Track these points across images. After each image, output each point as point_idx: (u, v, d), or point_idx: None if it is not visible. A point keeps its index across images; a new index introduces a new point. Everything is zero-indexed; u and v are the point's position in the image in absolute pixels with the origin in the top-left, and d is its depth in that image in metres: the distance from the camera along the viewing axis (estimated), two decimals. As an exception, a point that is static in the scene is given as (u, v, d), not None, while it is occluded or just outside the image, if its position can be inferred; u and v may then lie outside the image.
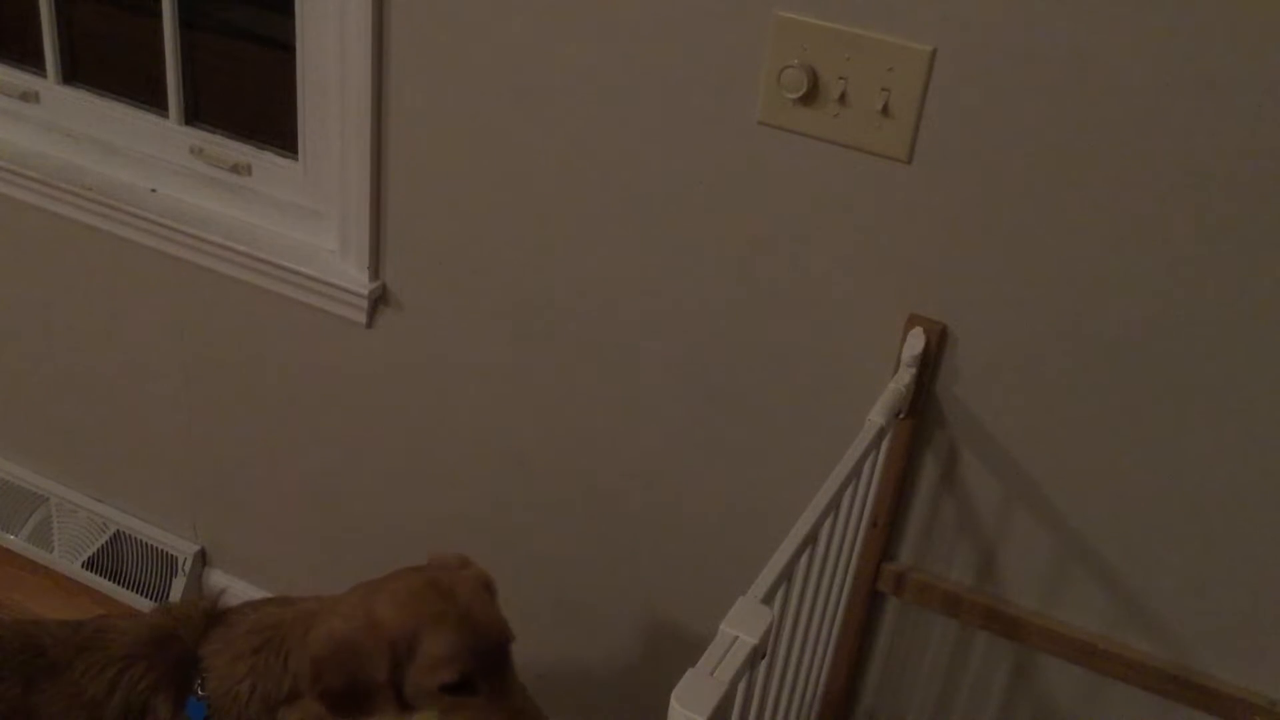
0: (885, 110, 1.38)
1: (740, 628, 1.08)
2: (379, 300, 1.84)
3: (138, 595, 2.31)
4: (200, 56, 1.96)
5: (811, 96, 1.41)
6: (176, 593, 2.28)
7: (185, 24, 1.92)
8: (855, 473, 1.35)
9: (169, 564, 2.30)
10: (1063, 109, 1.31)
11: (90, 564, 2.33)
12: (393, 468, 1.98)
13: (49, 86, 2.05)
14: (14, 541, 2.38)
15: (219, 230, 1.91)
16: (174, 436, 2.18)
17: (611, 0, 1.48)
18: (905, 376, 1.46)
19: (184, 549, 2.29)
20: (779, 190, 1.49)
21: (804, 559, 1.27)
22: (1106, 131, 1.31)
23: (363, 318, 1.85)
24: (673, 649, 1.89)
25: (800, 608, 1.35)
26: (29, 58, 2.06)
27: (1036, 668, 1.61)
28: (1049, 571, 1.55)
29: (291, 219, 1.91)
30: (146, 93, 1.99)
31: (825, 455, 1.61)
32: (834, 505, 1.31)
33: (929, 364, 1.48)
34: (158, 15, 1.91)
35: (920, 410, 1.52)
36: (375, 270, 1.82)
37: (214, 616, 1.52)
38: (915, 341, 1.45)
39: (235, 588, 2.27)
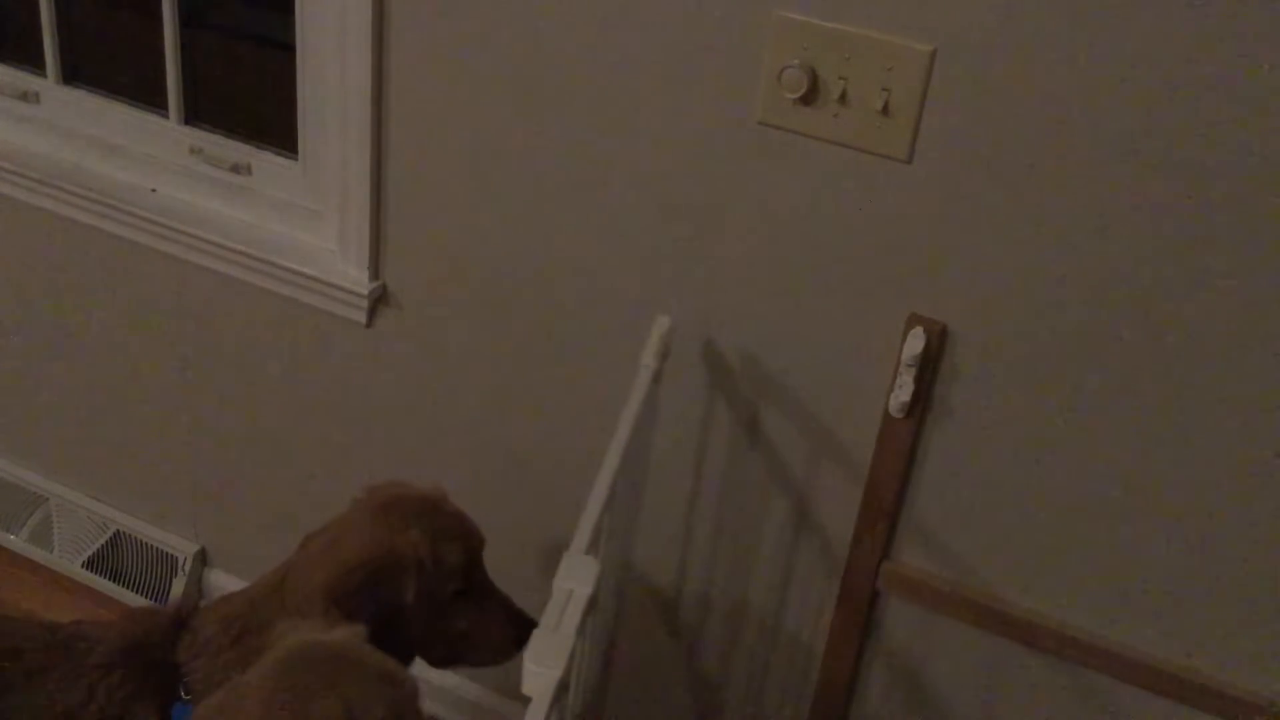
0: (885, 110, 1.38)
1: (572, 581, 1.13)
2: (379, 300, 1.84)
3: (138, 595, 2.30)
4: (200, 56, 1.96)
5: (811, 96, 1.41)
6: (176, 593, 2.28)
7: (185, 24, 1.92)
8: (641, 421, 1.39)
9: (169, 564, 2.30)
10: (1062, 109, 1.31)
11: (90, 564, 2.33)
12: (392, 467, 1.97)
13: (49, 86, 2.05)
14: (14, 541, 2.38)
15: (219, 230, 1.91)
16: (174, 436, 2.18)
17: (612, 1, 1.48)
18: (664, 325, 1.52)
19: (184, 549, 2.29)
20: (779, 190, 1.49)
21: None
22: (1106, 131, 1.31)
23: (363, 318, 1.85)
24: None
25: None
26: (29, 58, 2.06)
27: (1036, 667, 1.61)
28: (1049, 571, 1.55)
29: (291, 219, 1.91)
30: (146, 93, 1.99)
31: (824, 455, 1.61)
32: (629, 457, 1.36)
33: (929, 364, 1.48)
34: (158, 15, 1.91)
35: (920, 410, 1.52)
36: (375, 270, 1.82)
37: (180, 622, 1.49)
38: (915, 341, 1.45)
39: (235, 588, 2.26)
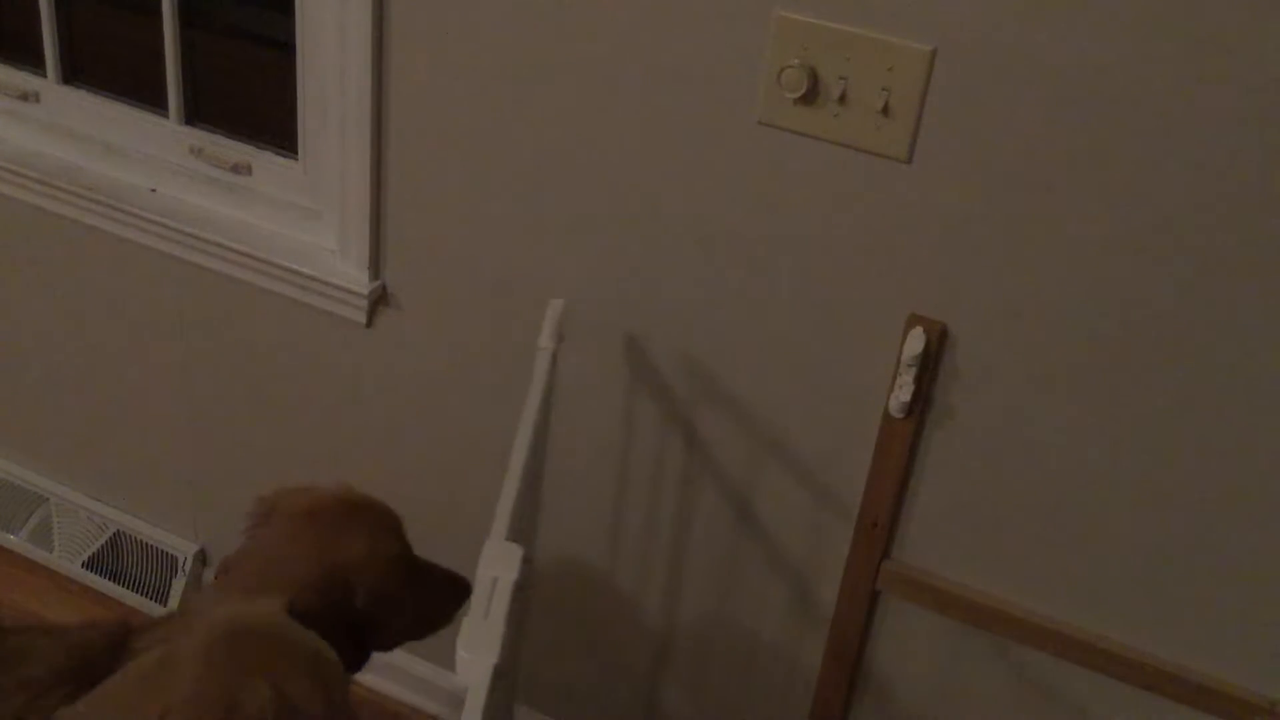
0: (885, 110, 1.38)
1: (496, 569, 1.14)
2: (379, 300, 1.84)
3: (138, 595, 2.30)
4: (200, 56, 1.96)
5: (811, 96, 1.41)
6: (177, 593, 2.28)
7: (185, 24, 1.92)
8: (545, 406, 1.41)
9: (169, 564, 2.30)
10: (1062, 109, 1.31)
11: (90, 564, 2.33)
12: (392, 467, 1.97)
13: (49, 86, 2.05)
14: (14, 541, 2.38)
15: (219, 230, 1.91)
16: (174, 436, 2.18)
17: (612, 1, 1.48)
18: (558, 307, 1.54)
19: (184, 549, 2.29)
20: (779, 190, 1.49)
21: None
22: (1107, 131, 1.31)
23: (363, 318, 1.85)
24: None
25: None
26: (29, 58, 2.06)
27: (1036, 667, 1.61)
28: (1049, 571, 1.55)
29: (291, 219, 1.91)
30: (146, 93, 1.99)
31: (824, 454, 1.61)
32: (539, 438, 1.38)
33: (929, 364, 1.48)
34: (158, 15, 1.91)
35: (920, 410, 1.52)
36: (375, 270, 1.82)
37: (119, 640, 1.41)
38: (915, 341, 1.45)
39: (235, 588, 2.27)
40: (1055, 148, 1.33)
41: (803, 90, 1.40)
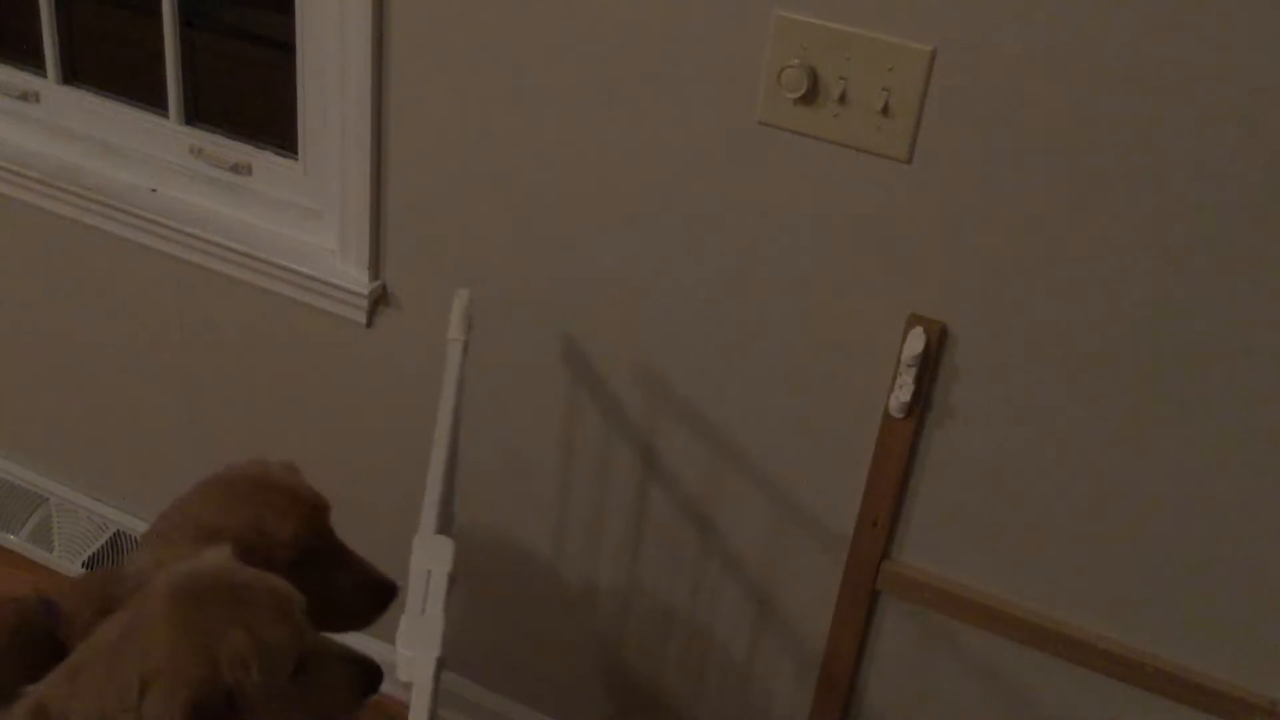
0: (885, 110, 1.38)
1: (430, 562, 1.13)
2: (379, 300, 1.84)
3: (138, 595, 2.30)
4: (200, 56, 1.96)
5: (811, 96, 1.41)
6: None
7: (185, 24, 1.92)
8: (458, 395, 1.41)
9: (169, 564, 2.30)
10: (1063, 108, 1.31)
11: (90, 564, 2.33)
12: (391, 467, 1.97)
13: (49, 86, 2.05)
14: (14, 541, 2.38)
15: (219, 230, 1.91)
16: (174, 436, 2.18)
17: (612, 1, 1.48)
18: (465, 297, 1.55)
19: (184, 549, 2.29)
20: (779, 190, 1.49)
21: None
22: (1107, 131, 1.31)
23: (363, 318, 1.85)
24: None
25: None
26: (29, 58, 2.06)
27: (1037, 667, 1.61)
28: (1049, 571, 1.55)
29: (291, 219, 1.91)
30: (146, 93, 1.99)
31: (824, 454, 1.61)
32: (455, 432, 1.39)
33: (929, 364, 1.48)
34: (158, 15, 1.91)
35: (920, 410, 1.52)
36: (375, 270, 1.82)
37: (48, 604, 1.47)
38: (915, 341, 1.45)
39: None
40: (1055, 148, 1.33)
41: (803, 90, 1.40)
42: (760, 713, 1.86)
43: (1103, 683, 1.57)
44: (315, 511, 1.53)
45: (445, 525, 1.24)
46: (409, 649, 1.06)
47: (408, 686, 1.06)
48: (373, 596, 1.56)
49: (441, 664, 1.07)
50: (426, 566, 1.14)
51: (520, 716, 2.07)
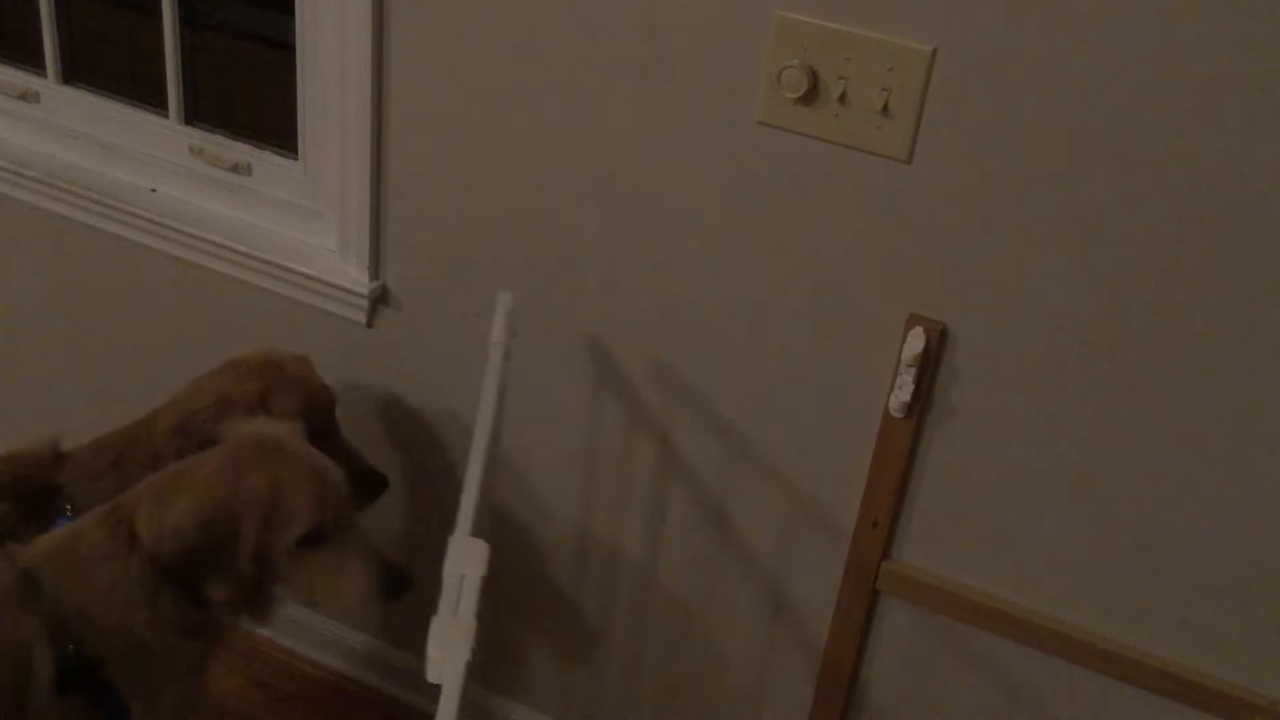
0: (885, 110, 1.38)
1: (464, 566, 1.14)
2: (379, 300, 1.84)
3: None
4: (200, 56, 1.96)
5: (811, 96, 1.41)
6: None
7: (185, 24, 1.92)
8: (498, 399, 1.44)
9: (169, 564, 2.29)
10: (1062, 108, 1.31)
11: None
12: (390, 467, 1.97)
13: (49, 86, 2.05)
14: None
15: (219, 230, 1.91)
16: (174, 436, 2.18)
17: (612, 1, 1.48)
18: (508, 301, 1.57)
19: (184, 549, 2.29)
20: (779, 190, 1.49)
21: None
22: (1106, 130, 1.31)
23: (363, 318, 1.85)
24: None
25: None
26: (29, 58, 2.06)
27: (1037, 667, 1.61)
28: (1049, 571, 1.55)
29: (291, 219, 1.91)
30: (146, 93, 1.99)
31: (825, 454, 1.61)
32: (495, 435, 1.40)
33: (929, 364, 1.48)
34: (158, 15, 1.91)
35: (920, 410, 1.52)
36: (375, 270, 1.82)
37: (59, 453, 1.66)
38: (915, 341, 1.45)
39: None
40: (1055, 147, 1.33)
41: (803, 90, 1.40)
42: (761, 712, 1.86)
43: (1103, 683, 1.57)
44: (316, 396, 1.68)
45: (480, 527, 1.24)
46: (439, 651, 1.06)
47: (436, 688, 1.06)
48: (361, 484, 1.65)
49: (469, 667, 1.07)
50: (461, 569, 1.14)
51: (520, 716, 2.07)
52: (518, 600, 1.98)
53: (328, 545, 1.47)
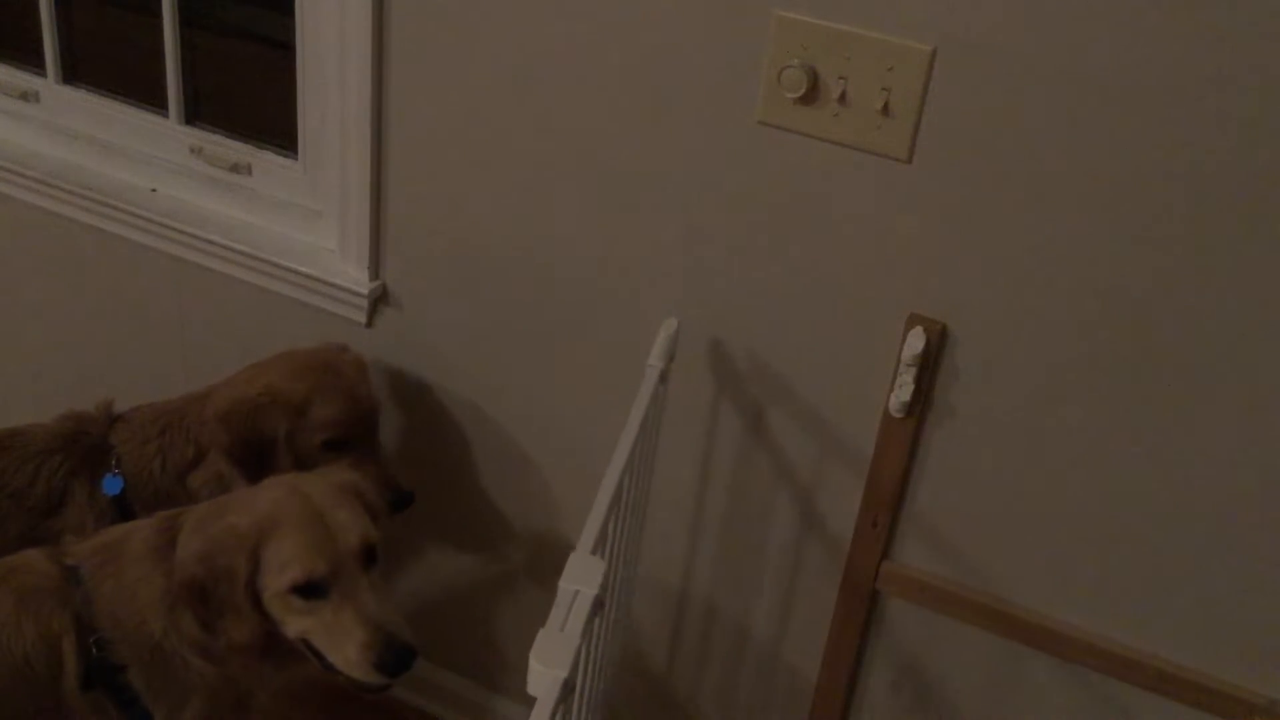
0: (885, 110, 1.38)
1: (579, 582, 1.13)
2: (379, 300, 1.84)
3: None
4: (200, 56, 1.96)
5: (811, 96, 1.41)
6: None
7: (185, 24, 1.92)
8: (648, 422, 1.42)
9: (169, 564, 2.30)
10: (1062, 108, 1.31)
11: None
12: (392, 466, 1.97)
13: (49, 86, 2.05)
14: (14, 541, 2.38)
15: (219, 230, 1.91)
16: (174, 436, 2.18)
17: (612, 1, 1.48)
18: (672, 326, 1.56)
19: (184, 549, 2.28)
20: (779, 190, 1.49)
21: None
22: (1106, 131, 1.31)
23: (363, 317, 1.85)
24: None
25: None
26: (29, 58, 2.06)
27: (1037, 667, 1.61)
28: (1049, 571, 1.55)
29: (291, 219, 1.91)
30: (146, 93, 1.99)
31: (826, 455, 1.61)
32: (635, 455, 1.39)
33: (929, 364, 1.48)
34: (158, 15, 1.91)
35: (920, 410, 1.52)
36: (375, 270, 1.82)
37: (113, 415, 1.75)
38: (915, 341, 1.45)
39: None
40: (1055, 147, 1.33)
41: (803, 90, 1.40)
42: (761, 711, 1.86)
43: (1103, 683, 1.57)
44: (358, 406, 1.70)
45: (599, 546, 1.23)
46: (540, 663, 1.06)
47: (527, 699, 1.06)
48: (389, 500, 1.68)
49: (569, 686, 1.06)
50: (575, 585, 1.13)
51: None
52: (514, 595, 1.98)
53: (326, 600, 1.43)
